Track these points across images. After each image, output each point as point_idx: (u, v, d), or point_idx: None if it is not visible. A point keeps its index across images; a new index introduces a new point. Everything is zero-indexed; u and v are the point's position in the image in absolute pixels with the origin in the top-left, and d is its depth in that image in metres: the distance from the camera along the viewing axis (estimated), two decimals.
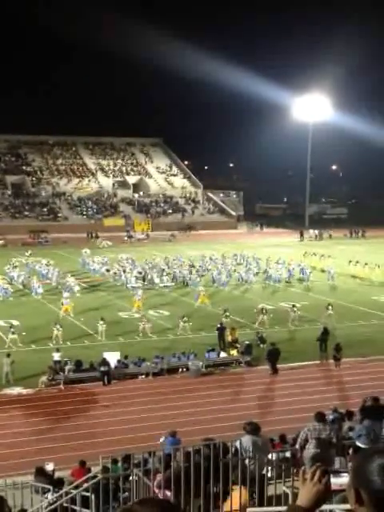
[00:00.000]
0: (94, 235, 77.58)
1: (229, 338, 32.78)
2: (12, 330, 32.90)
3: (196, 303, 41.77)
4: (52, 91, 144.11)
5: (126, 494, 12.59)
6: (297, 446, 12.59)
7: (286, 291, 48.18)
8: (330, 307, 37.85)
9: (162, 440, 17.83)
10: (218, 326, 33.56)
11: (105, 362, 28.03)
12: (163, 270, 51.61)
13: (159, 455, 11.90)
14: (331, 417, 17.32)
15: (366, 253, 64.40)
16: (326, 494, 2.71)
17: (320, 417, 12.55)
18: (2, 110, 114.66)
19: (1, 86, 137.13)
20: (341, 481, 8.03)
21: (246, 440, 11.83)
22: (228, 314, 35.59)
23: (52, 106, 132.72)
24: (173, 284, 48.47)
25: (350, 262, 55.28)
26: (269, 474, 11.92)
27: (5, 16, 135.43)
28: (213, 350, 31.48)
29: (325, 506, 2.77)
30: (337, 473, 9.93)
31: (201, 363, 29.68)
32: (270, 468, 12.27)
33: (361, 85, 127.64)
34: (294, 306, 38.61)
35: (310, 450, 11.72)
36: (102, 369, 27.92)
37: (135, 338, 34.17)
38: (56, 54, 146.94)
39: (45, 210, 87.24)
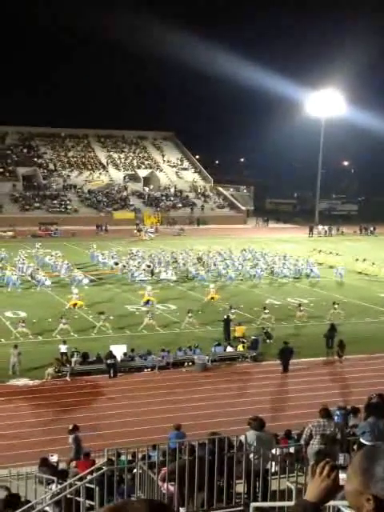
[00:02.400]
0: (103, 228, 77.64)
1: (235, 334, 32.78)
2: (22, 323, 32.90)
3: (206, 298, 41.66)
4: (65, 84, 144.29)
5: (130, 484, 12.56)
6: (302, 442, 12.56)
7: (293, 287, 48.07)
8: (336, 305, 37.85)
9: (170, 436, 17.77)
10: (224, 317, 33.57)
11: (111, 355, 28.06)
12: (170, 262, 51.72)
13: (163, 448, 11.89)
14: (337, 413, 17.29)
15: (374, 250, 64.13)
16: (335, 490, 2.67)
17: (325, 413, 12.49)
18: (14, 102, 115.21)
19: (15, 79, 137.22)
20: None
21: (251, 435, 11.79)
22: (233, 310, 35.37)
23: (64, 99, 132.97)
24: (175, 278, 48.30)
25: (357, 259, 55.13)
26: (273, 469, 11.89)
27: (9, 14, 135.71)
28: (219, 344, 31.45)
29: (330, 502, 2.71)
30: (343, 468, 9.86)
31: (207, 357, 29.67)
32: (274, 463, 12.23)
33: (375, 81, 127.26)
34: (299, 305, 38.52)
35: (315, 445, 11.68)
36: (109, 361, 27.95)
37: (143, 331, 34.17)
38: (70, 48, 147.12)
39: (55, 202, 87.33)
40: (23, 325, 32.72)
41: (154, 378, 28.12)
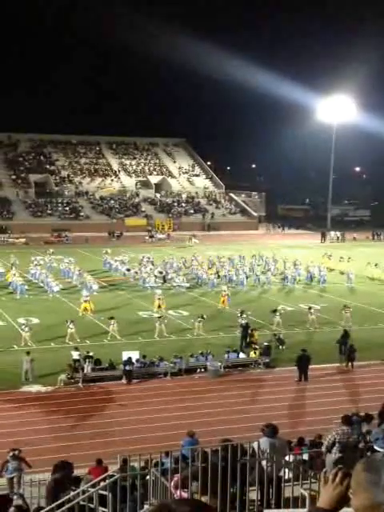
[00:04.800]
0: (116, 235, 77.87)
1: (253, 338, 32.70)
2: (26, 327, 33.03)
3: (219, 305, 41.61)
4: (76, 92, 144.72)
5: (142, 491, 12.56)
6: (323, 449, 12.48)
7: (304, 292, 47.99)
8: (347, 308, 37.77)
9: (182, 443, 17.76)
10: (243, 323, 33.47)
11: (129, 361, 28.06)
12: (180, 268, 51.98)
13: (176, 455, 11.89)
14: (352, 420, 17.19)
15: None
16: (347, 497, 2.67)
17: (347, 420, 12.41)
18: (26, 110, 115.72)
19: (24, 86, 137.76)
20: None
21: (264, 442, 11.77)
22: (244, 315, 35.27)
23: (76, 107, 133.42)
24: (187, 284, 48.43)
25: (368, 263, 55.00)
26: (286, 476, 11.85)
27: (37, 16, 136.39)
28: (235, 351, 31.36)
29: (345, 509, 2.71)
30: None
31: (219, 364, 29.61)
32: (287, 470, 12.19)
33: None
34: (310, 308, 38.45)
35: (335, 453, 11.61)
36: (127, 368, 27.94)
37: (155, 337, 34.19)
38: (81, 55, 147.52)
39: (67, 208, 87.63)
40: (23, 328, 32.83)
41: (166, 384, 28.12)
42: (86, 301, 38.99)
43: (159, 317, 35.95)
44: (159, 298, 40.51)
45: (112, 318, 34.61)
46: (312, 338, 35.60)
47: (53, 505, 12.79)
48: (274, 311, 37.07)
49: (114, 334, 33.86)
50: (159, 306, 39.82)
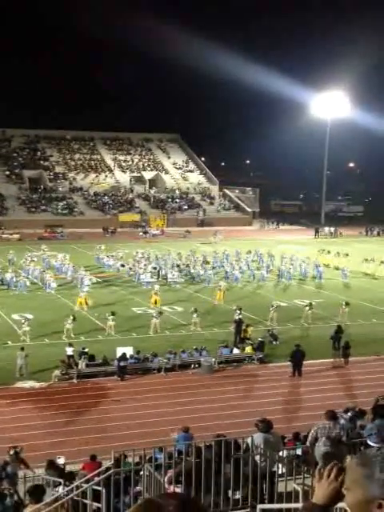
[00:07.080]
0: (110, 231, 77.72)
1: (246, 334, 32.72)
2: (27, 322, 32.98)
3: (215, 302, 41.59)
4: (70, 87, 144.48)
5: (138, 488, 12.56)
6: (307, 444, 12.51)
7: (299, 288, 48.01)
8: (345, 304, 37.81)
9: (173, 436, 17.78)
10: (236, 319, 33.48)
11: (124, 357, 28.04)
12: (178, 265, 51.87)
13: (170, 451, 11.89)
14: (346, 415, 17.21)
15: (379, 251, 63.76)
16: (342, 492, 2.66)
17: (331, 415, 12.42)
18: (20, 105, 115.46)
19: (17, 79, 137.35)
20: None
21: (258, 437, 11.77)
22: (239, 311, 35.25)
23: (70, 102, 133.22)
24: (182, 280, 48.43)
25: (366, 259, 55.02)
26: (280, 471, 11.86)
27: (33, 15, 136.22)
28: (226, 346, 31.39)
29: (340, 504, 2.70)
30: None
31: (213, 359, 29.63)
32: (280, 465, 12.20)
33: (380, 82, 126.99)
34: (308, 304, 38.38)
35: (321, 448, 11.63)
36: (122, 364, 27.92)
37: (149, 333, 34.18)
38: (76, 50, 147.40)
39: (61, 204, 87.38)
40: (25, 324, 32.76)
41: (160, 380, 28.11)
42: (81, 296, 39.02)
43: (159, 312, 35.89)
44: (155, 293, 40.41)
45: (113, 313, 34.50)
46: (306, 333, 35.65)
47: (46, 501, 12.77)
48: (270, 307, 37.10)
49: (109, 331, 33.79)
50: (155, 302, 39.69)
